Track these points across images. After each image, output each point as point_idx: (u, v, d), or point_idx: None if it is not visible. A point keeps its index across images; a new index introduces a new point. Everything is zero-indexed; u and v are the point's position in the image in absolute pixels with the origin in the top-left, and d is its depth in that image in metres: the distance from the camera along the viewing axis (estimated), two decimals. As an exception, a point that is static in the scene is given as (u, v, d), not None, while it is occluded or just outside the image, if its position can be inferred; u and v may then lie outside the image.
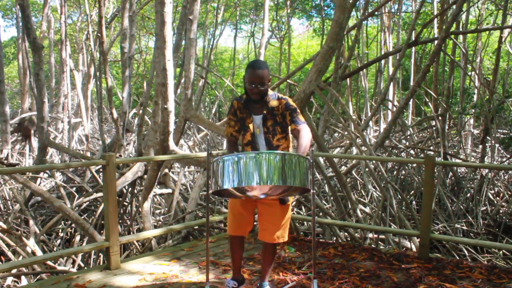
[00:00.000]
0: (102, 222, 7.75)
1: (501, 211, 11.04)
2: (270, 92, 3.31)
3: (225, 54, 32.25)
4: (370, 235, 8.35)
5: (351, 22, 15.57)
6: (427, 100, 14.36)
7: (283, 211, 3.34)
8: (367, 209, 9.08)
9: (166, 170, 8.51)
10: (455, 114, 13.98)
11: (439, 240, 6.69)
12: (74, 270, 7.37)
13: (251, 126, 3.30)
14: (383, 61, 16.86)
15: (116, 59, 23.41)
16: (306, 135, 3.10)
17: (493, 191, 11.61)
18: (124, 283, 3.92)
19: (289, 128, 3.28)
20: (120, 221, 8.44)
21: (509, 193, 11.51)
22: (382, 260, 4.48)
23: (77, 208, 8.68)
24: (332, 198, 9.01)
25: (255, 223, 3.89)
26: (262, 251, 3.53)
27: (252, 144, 3.32)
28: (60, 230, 9.04)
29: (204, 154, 5.34)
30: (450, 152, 12.32)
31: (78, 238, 8.63)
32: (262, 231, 3.38)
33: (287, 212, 3.37)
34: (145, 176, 7.67)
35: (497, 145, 12.78)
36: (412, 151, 12.54)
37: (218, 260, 4.47)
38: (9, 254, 7.00)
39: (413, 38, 10.17)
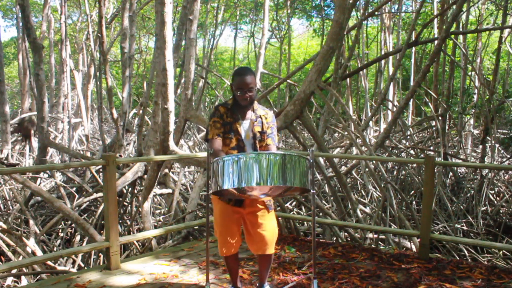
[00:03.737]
0: (102, 222, 7.75)
1: (501, 211, 11.04)
2: (255, 102, 3.39)
3: (225, 54, 32.26)
4: (370, 235, 8.35)
5: (351, 22, 15.58)
6: (427, 100, 14.35)
7: (273, 220, 3.36)
8: (367, 209, 9.08)
9: (166, 170, 8.51)
10: (455, 114, 13.97)
11: (439, 240, 6.67)
12: (74, 270, 7.37)
13: (240, 130, 3.28)
14: (383, 61, 16.86)
15: (116, 59, 23.42)
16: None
17: (493, 191, 11.61)
18: (124, 283, 3.92)
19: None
20: (120, 221, 8.43)
21: (509, 193, 11.50)
22: (382, 260, 4.48)
23: (77, 208, 8.68)
24: (332, 198, 9.00)
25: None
26: (258, 261, 3.48)
27: (238, 148, 3.28)
28: (60, 230, 9.04)
29: (204, 154, 5.33)
30: (450, 152, 12.32)
31: (78, 238, 8.64)
32: (257, 243, 3.32)
33: (274, 220, 3.39)
34: (145, 176, 7.67)
35: (497, 145, 12.77)
36: (412, 151, 12.54)
37: (218, 260, 4.47)
38: (9, 254, 6.99)
39: (413, 38, 10.17)
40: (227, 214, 3.30)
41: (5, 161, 9.84)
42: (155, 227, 8.44)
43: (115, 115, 9.65)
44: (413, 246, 7.38)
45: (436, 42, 9.81)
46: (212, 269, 4.21)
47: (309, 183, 2.85)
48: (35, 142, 12.13)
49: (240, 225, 3.38)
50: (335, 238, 7.29)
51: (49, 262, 6.87)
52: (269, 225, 3.31)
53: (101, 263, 7.72)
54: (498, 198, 11.58)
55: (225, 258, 3.47)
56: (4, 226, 7.07)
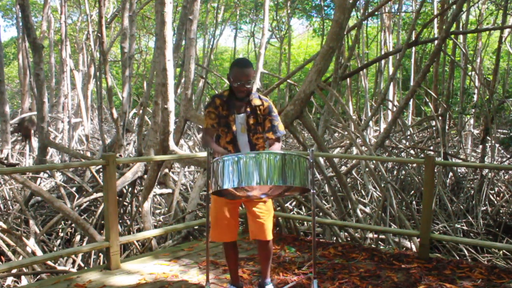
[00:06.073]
0: (102, 222, 7.75)
1: (501, 211, 11.04)
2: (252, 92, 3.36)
3: (225, 54, 32.23)
4: (370, 235, 8.34)
5: (351, 22, 15.57)
6: (427, 100, 14.36)
7: (270, 207, 3.40)
8: (367, 209, 9.07)
9: (166, 170, 8.51)
10: (455, 114, 13.97)
11: (439, 240, 6.69)
12: (74, 270, 7.37)
13: (234, 124, 3.29)
14: (383, 61, 16.86)
15: (116, 59, 23.41)
16: (278, 149, 3.25)
17: (493, 191, 11.61)
18: (124, 283, 3.92)
19: (266, 133, 3.34)
20: (120, 221, 8.43)
21: (509, 193, 11.50)
22: (382, 260, 4.48)
23: (77, 208, 8.68)
24: (332, 198, 9.00)
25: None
26: (259, 250, 3.51)
27: (234, 142, 3.30)
28: (60, 230, 9.04)
29: (204, 154, 5.33)
30: (450, 152, 12.32)
31: (78, 238, 8.64)
32: (255, 230, 3.36)
33: (271, 207, 3.43)
34: (145, 176, 7.67)
35: (497, 145, 12.77)
36: (412, 151, 12.54)
37: (218, 260, 4.47)
38: (9, 254, 6.99)
39: (413, 38, 10.17)
40: (218, 200, 3.33)
41: (5, 161, 9.84)
42: (155, 227, 8.43)
43: (115, 115, 9.65)
44: (413, 246, 7.38)
45: (436, 42, 9.81)
46: (212, 269, 4.21)
47: (309, 183, 2.85)
48: (35, 142, 12.13)
49: (234, 212, 3.39)
50: (335, 238, 7.29)
51: (49, 262, 6.86)
52: (266, 212, 3.35)
53: (101, 263, 7.72)
54: (498, 198, 11.57)
55: (224, 247, 3.50)
56: (4, 226, 7.06)
